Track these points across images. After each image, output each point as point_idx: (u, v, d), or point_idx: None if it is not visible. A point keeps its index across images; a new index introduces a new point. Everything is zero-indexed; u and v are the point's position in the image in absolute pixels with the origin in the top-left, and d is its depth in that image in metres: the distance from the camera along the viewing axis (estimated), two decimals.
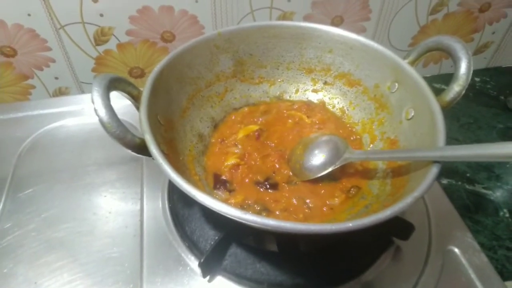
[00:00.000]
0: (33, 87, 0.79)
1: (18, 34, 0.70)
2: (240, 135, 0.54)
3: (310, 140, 0.51)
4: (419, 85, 0.45)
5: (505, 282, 0.47)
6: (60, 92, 0.81)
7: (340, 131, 0.55)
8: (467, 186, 0.64)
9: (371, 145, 0.52)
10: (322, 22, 0.55)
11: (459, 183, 0.66)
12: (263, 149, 0.52)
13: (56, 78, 0.79)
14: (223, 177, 0.49)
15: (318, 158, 0.47)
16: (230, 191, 0.47)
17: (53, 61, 0.75)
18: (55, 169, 0.58)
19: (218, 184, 0.48)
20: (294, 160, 0.50)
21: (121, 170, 0.58)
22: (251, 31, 0.55)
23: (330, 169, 0.46)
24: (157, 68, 0.46)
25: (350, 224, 0.32)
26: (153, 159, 0.38)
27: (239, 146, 0.52)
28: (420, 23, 0.84)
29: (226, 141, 0.53)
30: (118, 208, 0.53)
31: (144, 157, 0.38)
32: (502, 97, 0.83)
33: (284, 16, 0.77)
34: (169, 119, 0.47)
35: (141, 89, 0.44)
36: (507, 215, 0.59)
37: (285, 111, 0.58)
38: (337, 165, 0.46)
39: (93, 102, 0.36)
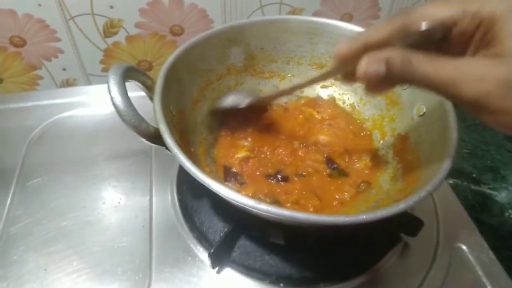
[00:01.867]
0: (41, 77, 0.79)
1: (28, 24, 0.70)
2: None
3: None
4: None
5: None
6: (68, 84, 0.82)
7: (350, 127, 0.55)
8: (472, 187, 0.65)
9: (381, 141, 0.52)
10: (331, 19, 0.55)
11: (465, 183, 0.66)
12: (273, 141, 0.52)
13: (64, 69, 0.79)
14: (234, 170, 0.49)
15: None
16: (241, 183, 0.47)
17: (62, 52, 0.75)
18: (64, 159, 0.58)
19: (228, 176, 0.48)
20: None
21: (130, 161, 0.58)
22: (263, 25, 0.55)
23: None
24: (170, 59, 0.46)
25: (364, 216, 0.32)
26: (166, 148, 0.38)
27: (249, 139, 0.53)
28: None
29: (235, 134, 0.53)
30: (127, 199, 0.53)
31: (153, 149, 0.38)
32: None
33: (293, 12, 0.77)
34: (181, 111, 0.48)
35: (155, 79, 0.44)
36: None
37: (295, 107, 0.58)
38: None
39: (109, 90, 0.36)
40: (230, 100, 0.53)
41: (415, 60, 0.29)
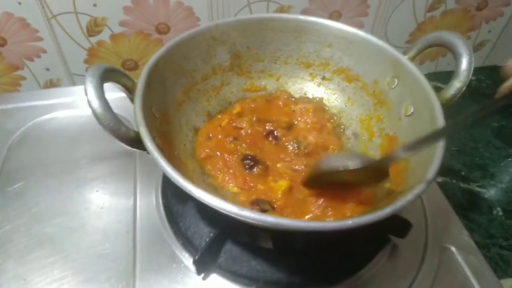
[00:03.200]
0: (23, 78, 0.77)
1: (8, 23, 0.68)
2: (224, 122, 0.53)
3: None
4: (419, 81, 0.45)
5: (499, 280, 0.47)
6: (51, 84, 0.80)
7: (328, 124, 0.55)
8: (461, 185, 0.64)
9: (369, 142, 0.52)
10: (320, 17, 0.54)
11: (454, 181, 0.66)
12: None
13: (47, 69, 0.77)
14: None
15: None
16: None
17: (44, 51, 0.73)
18: (46, 163, 0.57)
19: None
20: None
21: (114, 164, 0.57)
22: (249, 24, 0.54)
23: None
24: (152, 58, 0.45)
25: (350, 222, 0.32)
26: (147, 153, 0.37)
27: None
28: (418, 19, 0.83)
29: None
30: (111, 203, 0.52)
31: (137, 151, 0.37)
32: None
33: (281, 10, 0.76)
34: (164, 112, 0.46)
35: (136, 80, 0.42)
36: (501, 213, 0.59)
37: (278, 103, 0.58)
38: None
39: (86, 93, 0.35)
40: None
41: None
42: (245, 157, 0.48)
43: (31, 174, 0.55)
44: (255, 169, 0.48)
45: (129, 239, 0.48)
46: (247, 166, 0.48)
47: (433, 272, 0.46)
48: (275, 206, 0.44)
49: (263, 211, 0.43)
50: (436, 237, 0.50)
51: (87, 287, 0.43)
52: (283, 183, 0.46)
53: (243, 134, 0.51)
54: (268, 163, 0.49)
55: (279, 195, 0.45)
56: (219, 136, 0.51)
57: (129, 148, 0.39)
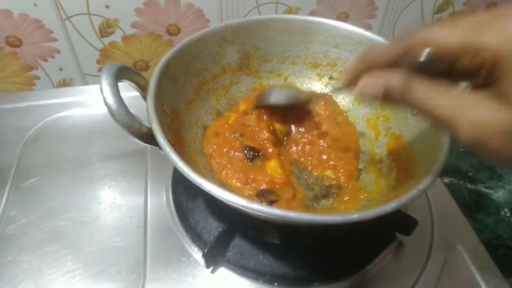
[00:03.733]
0: (38, 78, 0.79)
1: (24, 24, 0.69)
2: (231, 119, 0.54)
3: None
4: None
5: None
6: (65, 84, 0.81)
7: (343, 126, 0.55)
8: (469, 185, 0.65)
9: (376, 141, 0.52)
10: (327, 18, 0.55)
11: (461, 182, 0.66)
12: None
13: (61, 69, 0.78)
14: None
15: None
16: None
17: (58, 52, 0.75)
18: (59, 159, 0.58)
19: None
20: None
21: (126, 161, 0.58)
22: (258, 24, 0.55)
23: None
24: (164, 58, 0.46)
25: (356, 216, 0.32)
26: (159, 148, 0.38)
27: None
28: (425, 21, 0.84)
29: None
30: (122, 199, 0.53)
31: (148, 149, 0.38)
32: None
33: (289, 11, 0.77)
34: (175, 110, 0.48)
35: (148, 79, 0.44)
36: (508, 214, 0.59)
37: None
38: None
39: (101, 90, 0.36)
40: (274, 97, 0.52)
41: (414, 88, 0.28)
42: (246, 147, 0.49)
43: (45, 170, 0.56)
44: (255, 159, 0.49)
45: (140, 233, 0.49)
46: (248, 156, 0.49)
47: (439, 269, 0.47)
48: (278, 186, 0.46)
49: (271, 202, 0.44)
50: (442, 236, 0.50)
51: (99, 279, 0.45)
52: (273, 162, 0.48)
53: (250, 130, 0.52)
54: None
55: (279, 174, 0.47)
56: (226, 134, 0.52)
57: (140, 146, 0.40)
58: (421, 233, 0.49)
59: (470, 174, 0.67)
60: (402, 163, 0.46)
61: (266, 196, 0.44)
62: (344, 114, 0.57)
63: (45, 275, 0.45)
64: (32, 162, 0.58)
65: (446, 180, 0.64)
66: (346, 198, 0.46)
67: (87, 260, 0.46)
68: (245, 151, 0.48)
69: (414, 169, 0.42)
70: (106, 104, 0.36)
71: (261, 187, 0.45)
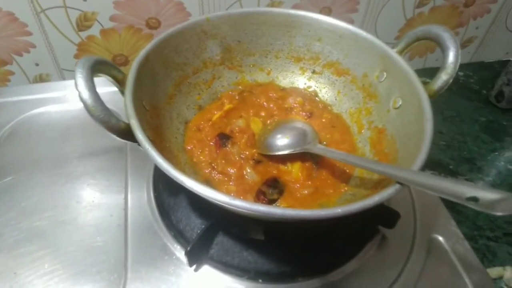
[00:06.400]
0: (12, 73, 0.76)
1: None
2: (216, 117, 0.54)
3: (284, 121, 0.52)
4: (407, 74, 0.45)
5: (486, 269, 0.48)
6: (41, 79, 0.79)
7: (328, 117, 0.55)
8: (450, 178, 0.65)
9: (359, 134, 0.52)
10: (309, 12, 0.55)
11: (442, 174, 0.67)
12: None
13: (37, 64, 0.76)
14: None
15: (282, 139, 0.48)
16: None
17: (33, 46, 0.73)
18: (36, 157, 0.56)
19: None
20: (262, 133, 0.51)
21: (105, 158, 0.56)
22: (240, 18, 0.54)
23: (286, 152, 0.47)
24: (143, 52, 0.45)
25: (340, 210, 0.32)
26: (138, 144, 0.37)
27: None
28: (406, 16, 0.84)
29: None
30: (102, 197, 0.51)
31: (128, 146, 0.37)
32: (484, 91, 0.84)
33: (272, 5, 0.76)
34: (154, 105, 0.46)
35: (126, 73, 0.42)
36: None
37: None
38: (296, 151, 0.47)
39: (76, 85, 0.35)
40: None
41: None
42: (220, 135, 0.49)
43: (21, 169, 0.54)
44: (228, 145, 0.49)
45: (120, 232, 0.48)
46: (221, 142, 0.49)
47: (422, 261, 0.47)
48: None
49: (271, 201, 0.45)
50: (425, 228, 0.50)
51: (78, 279, 0.43)
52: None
53: (237, 130, 0.51)
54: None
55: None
56: (207, 130, 0.51)
57: (120, 143, 0.39)
58: (404, 226, 0.49)
59: (451, 167, 0.68)
60: (385, 156, 0.46)
61: (269, 191, 0.45)
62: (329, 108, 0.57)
63: (21, 278, 0.43)
64: (7, 160, 0.56)
65: (428, 173, 0.65)
66: (331, 191, 0.46)
67: (66, 260, 0.45)
68: (218, 138, 0.49)
69: (397, 162, 0.42)
70: (81, 99, 0.35)
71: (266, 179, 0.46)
